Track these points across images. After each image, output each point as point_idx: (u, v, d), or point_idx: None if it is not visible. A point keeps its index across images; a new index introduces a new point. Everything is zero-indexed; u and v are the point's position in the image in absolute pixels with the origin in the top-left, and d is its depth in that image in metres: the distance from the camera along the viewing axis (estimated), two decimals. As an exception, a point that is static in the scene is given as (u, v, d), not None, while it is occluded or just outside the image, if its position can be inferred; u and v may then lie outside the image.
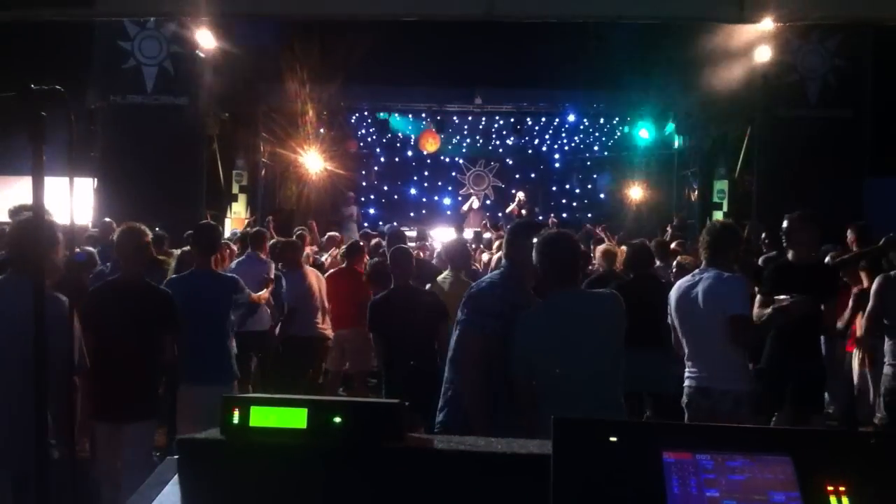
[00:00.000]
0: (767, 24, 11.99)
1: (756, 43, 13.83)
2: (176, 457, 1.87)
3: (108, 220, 10.53)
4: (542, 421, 3.70)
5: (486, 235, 16.80)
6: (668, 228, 15.94)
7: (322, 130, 19.77)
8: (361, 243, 9.71)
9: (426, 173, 24.50)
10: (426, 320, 6.33)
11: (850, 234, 8.43)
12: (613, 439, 1.69)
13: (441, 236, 16.29)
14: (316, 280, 8.67)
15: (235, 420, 1.83)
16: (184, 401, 5.69)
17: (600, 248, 9.11)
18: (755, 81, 14.53)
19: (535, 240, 4.19)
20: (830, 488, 1.58)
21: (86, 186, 14.18)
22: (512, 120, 21.35)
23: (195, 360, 5.70)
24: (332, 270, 9.30)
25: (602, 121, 22.06)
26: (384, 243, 10.02)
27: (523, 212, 19.20)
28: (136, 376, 5.11)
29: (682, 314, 5.24)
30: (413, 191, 24.43)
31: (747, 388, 5.08)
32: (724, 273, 5.10)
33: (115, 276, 5.42)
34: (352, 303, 8.21)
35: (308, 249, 10.56)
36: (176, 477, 1.84)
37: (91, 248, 7.75)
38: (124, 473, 5.07)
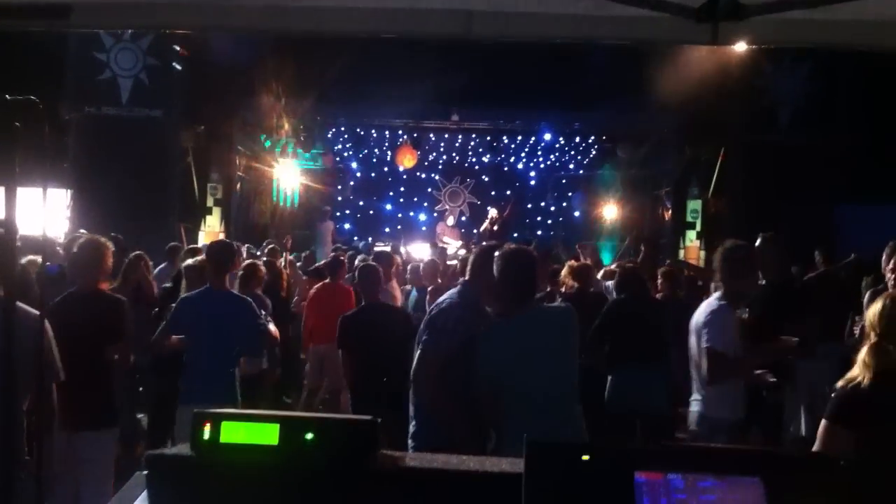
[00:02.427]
0: (740, 47, 12.09)
1: (729, 66, 13.98)
2: (145, 472, 1.84)
3: (83, 231, 10.35)
4: (507, 437, 3.75)
5: (462, 252, 16.80)
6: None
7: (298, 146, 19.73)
8: (342, 258, 9.71)
9: (402, 189, 24.52)
10: (396, 338, 6.30)
11: (818, 256, 8.61)
12: (585, 458, 1.69)
13: (414, 252, 16.29)
14: None
15: (206, 436, 1.81)
16: (182, 421, 5.63)
17: (571, 264, 9.02)
18: (728, 104, 14.68)
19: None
20: (799, 509, 1.59)
21: (59, 197, 14.04)
22: (488, 138, 21.45)
23: (197, 380, 5.65)
24: (316, 286, 9.22)
25: (577, 140, 22.21)
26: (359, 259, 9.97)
27: (495, 228, 19.23)
28: (91, 385, 5.10)
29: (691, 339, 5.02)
30: (388, 206, 24.43)
31: (732, 416, 4.78)
32: (716, 301, 4.89)
33: (73, 288, 5.40)
34: (333, 318, 8.08)
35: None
36: (144, 493, 1.82)
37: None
38: (81, 487, 5.04)
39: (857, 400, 3.19)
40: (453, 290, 4.65)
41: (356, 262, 10.18)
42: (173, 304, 6.26)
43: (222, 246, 6.55)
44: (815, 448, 3.31)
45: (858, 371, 3.23)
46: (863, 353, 3.25)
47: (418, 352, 4.29)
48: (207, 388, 5.59)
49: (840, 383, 3.30)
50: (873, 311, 3.37)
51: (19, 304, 3.67)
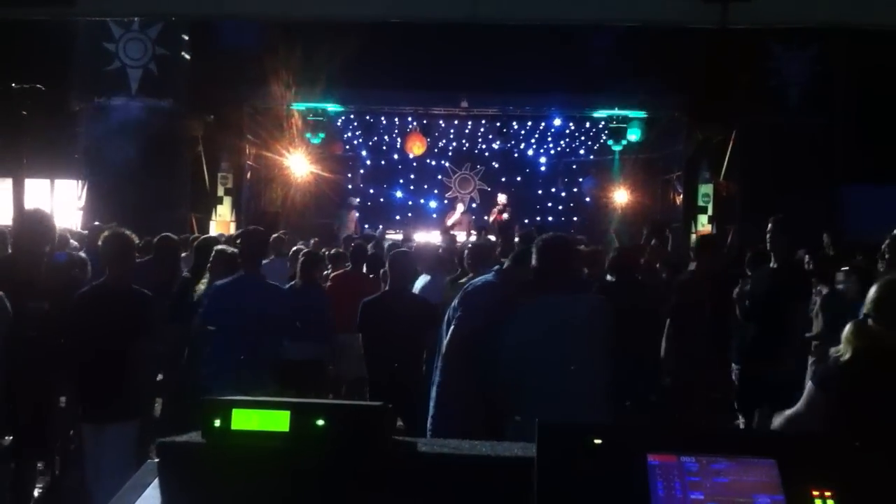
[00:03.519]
0: (748, 28, 12.04)
1: (738, 47, 13.90)
2: (156, 460, 1.84)
3: (97, 223, 10.31)
4: (527, 422, 3.71)
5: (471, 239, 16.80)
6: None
7: (314, 136, 19.73)
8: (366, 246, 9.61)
9: (412, 176, 24.48)
10: (415, 325, 6.29)
11: (825, 239, 8.59)
12: (598, 442, 1.68)
13: (425, 239, 16.26)
14: None
15: (217, 423, 1.81)
16: None
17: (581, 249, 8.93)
18: (737, 86, 14.60)
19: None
20: (815, 492, 1.58)
21: (69, 188, 14.11)
22: (497, 124, 21.37)
23: (230, 368, 5.64)
24: (336, 272, 9.00)
25: (587, 125, 22.11)
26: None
27: (505, 216, 19.18)
28: (116, 378, 5.12)
29: None
30: (399, 194, 24.40)
31: None
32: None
33: (100, 280, 5.42)
34: (355, 306, 7.89)
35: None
36: (156, 481, 1.81)
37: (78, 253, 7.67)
38: (103, 476, 5.09)
39: (837, 371, 3.48)
40: (488, 274, 4.65)
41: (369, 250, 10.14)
42: (194, 293, 6.25)
43: (257, 234, 6.51)
44: (797, 406, 3.62)
45: (844, 345, 3.51)
46: (846, 331, 3.53)
47: (451, 329, 4.30)
48: (238, 375, 5.56)
49: (831, 351, 3.59)
50: (869, 293, 3.64)
51: None
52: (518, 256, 4.51)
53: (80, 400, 5.27)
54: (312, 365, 7.56)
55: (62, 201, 13.50)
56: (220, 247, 6.84)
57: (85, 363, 5.18)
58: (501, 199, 19.97)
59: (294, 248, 10.15)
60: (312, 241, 12.33)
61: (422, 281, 7.60)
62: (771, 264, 6.57)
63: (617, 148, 20.62)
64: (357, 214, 20.64)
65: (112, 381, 5.11)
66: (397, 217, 23.46)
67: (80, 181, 14.38)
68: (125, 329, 5.18)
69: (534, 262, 4.11)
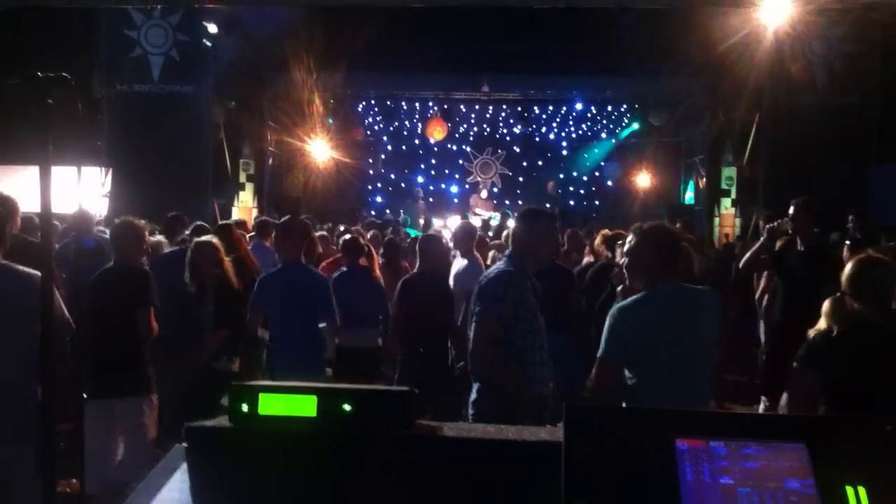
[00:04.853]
0: (775, 8, 11.94)
1: (763, 29, 13.76)
2: (184, 444, 1.85)
3: (84, 208, 10.18)
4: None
5: (494, 223, 16.81)
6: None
7: (329, 119, 19.74)
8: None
9: (433, 161, 24.45)
10: (438, 308, 6.33)
11: (851, 220, 8.51)
12: (626, 426, 1.67)
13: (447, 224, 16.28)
14: None
15: (244, 408, 1.82)
16: None
17: (604, 233, 8.86)
18: (762, 68, 14.45)
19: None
20: (846, 476, 1.56)
21: (92, 175, 14.19)
22: (519, 108, 21.30)
23: (283, 353, 5.75)
24: (327, 261, 9.03)
25: (609, 108, 21.98)
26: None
27: (547, 204, 19.24)
28: (121, 354, 5.29)
29: None
30: (420, 179, 24.38)
31: None
32: None
33: (109, 265, 5.62)
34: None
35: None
36: (184, 465, 1.82)
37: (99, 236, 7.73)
38: (122, 450, 5.28)
39: (824, 345, 3.61)
40: (500, 261, 4.63)
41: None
42: None
43: (295, 223, 6.59)
44: (786, 389, 3.79)
45: (824, 322, 3.65)
46: (824, 308, 3.67)
47: (473, 322, 4.29)
48: (291, 359, 5.69)
49: (811, 332, 3.71)
50: (845, 270, 3.77)
51: (16, 266, 3.87)
52: (518, 238, 4.46)
53: (87, 377, 5.36)
54: (364, 353, 7.27)
55: (89, 188, 13.56)
56: (199, 239, 6.74)
57: (92, 341, 5.32)
58: (549, 185, 20.12)
59: (317, 234, 10.15)
60: (325, 227, 12.31)
61: (457, 265, 7.58)
62: (798, 247, 6.51)
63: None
64: (423, 204, 20.76)
65: (117, 356, 5.28)
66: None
67: (103, 168, 14.48)
68: (127, 305, 5.34)
69: (637, 250, 3.98)
